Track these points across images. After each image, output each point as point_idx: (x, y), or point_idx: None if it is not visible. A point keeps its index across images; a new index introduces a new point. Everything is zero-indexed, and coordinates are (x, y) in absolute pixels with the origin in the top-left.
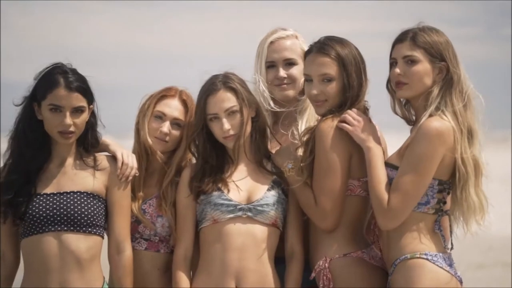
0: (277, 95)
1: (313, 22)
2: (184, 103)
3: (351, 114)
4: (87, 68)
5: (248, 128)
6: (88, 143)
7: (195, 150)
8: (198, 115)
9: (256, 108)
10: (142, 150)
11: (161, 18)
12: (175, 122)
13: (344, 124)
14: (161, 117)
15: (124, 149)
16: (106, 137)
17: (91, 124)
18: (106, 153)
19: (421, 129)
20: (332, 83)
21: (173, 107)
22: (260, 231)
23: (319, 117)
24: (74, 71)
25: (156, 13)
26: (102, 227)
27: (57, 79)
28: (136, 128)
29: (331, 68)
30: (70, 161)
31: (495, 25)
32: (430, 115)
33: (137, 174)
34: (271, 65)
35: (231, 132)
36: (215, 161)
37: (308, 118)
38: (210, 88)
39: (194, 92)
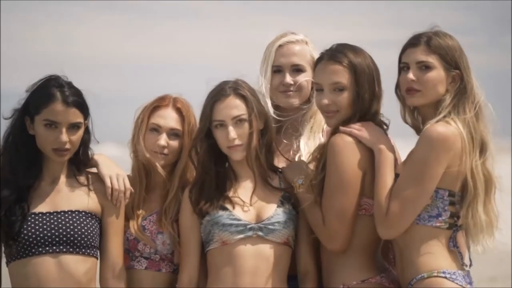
0: (281, 102)
1: (320, 30)
2: (179, 111)
3: (354, 126)
4: (82, 76)
5: (255, 141)
6: (80, 161)
7: (195, 158)
8: (203, 121)
9: (265, 120)
10: (141, 168)
11: (158, 26)
12: (172, 133)
13: (351, 129)
14: (156, 129)
15: (113, 170)
16: (99, 154)
17: (85, 141)
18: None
19: (424, 134)
20: (344, 93)
21: (168, 118)
22: (272, 252)
23: (324, 128)
24: (70, 85)
25: (153, 21)
26: (97, 249)
27: (53, 93)
28: (132, 144)
29: (343, 76)
30: (62, 179)
31: (495, 34)
32: (437, 122)
33: (132, 192)
34: (277, 70)
35: (237, 142)
36: (214, 173)
37: (312, 128)
38: (218, 93)
39: (193, 102)
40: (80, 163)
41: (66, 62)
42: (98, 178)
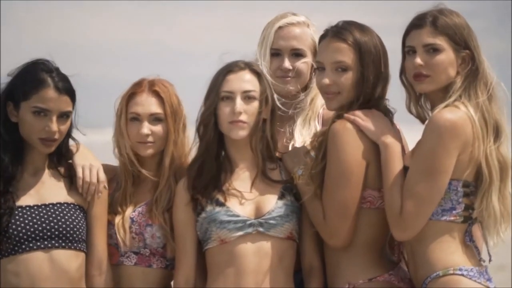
0: (277, 87)
1: (321, 18)
2: (157, 94)
3: (358, 113)
4: (91, 65)
5: (259, 126)
6: (61, 152)
7: (198, 135)
8: (212, 93)
9: (272, 110)
10: (127, 163)
11: (165, 13)
12: (153, 118)
13: (355, 117)
14: (136, 118)
15: (88, 160)
16: (76, 144)
17: (69, 132)
18: None
19: (431, 122)
20: (347, 73)
21: (146, 103)
22: (275, 248)
23: (320, 113)
24: (58, 70)
25: (160, 9)
26: (85, 243)
27: (44, 78)
28: (115, 139)
29: (347, 55)
30: (45, 170)
31: (503, 19)
32: (446, 106)
33: (106, 189)
34: (276, 53)
35: (242, 117)
36: (215, 154)
37: (307, 117)
38: (232, 65)
39: (199, 87)
40: (62, 154)
41: (72, 50)
42: None
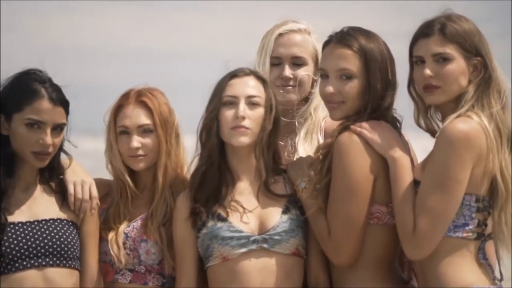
0: (277, 97)
1: (325, 22)
2: (144, 104)
3: (365, 126)
4: (91, 68)
5: (263, 135)
6: (53, 167)
7: (200, 143)
8: (215, 98)
9: (275, 120)
10: (119, 181)
11: (164, 16)
12: (142, 130)
13: (362, 130)
14: (125, 131)
15: (79, 176)
16: (67, 159)
17: (60, 145)
18: None
19: (443, 133)
20: (352, 81)
21: (133, 116)
22: (281, 265)
23: (322, 126)
24: (51, 81)
25: (160, 11)
26: (79, 261)
27: (38, 89)
28: (107, 155)
29: (352, 62)
30: (36, 185)
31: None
32: (458, 117)
33: (98, 205)
34: (276, 62)
35: (245, 123)
36: (217, 163)
37: (308, 129)
38: (237, 70)
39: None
40: (54, 169)
41: (71, 53)
42: None
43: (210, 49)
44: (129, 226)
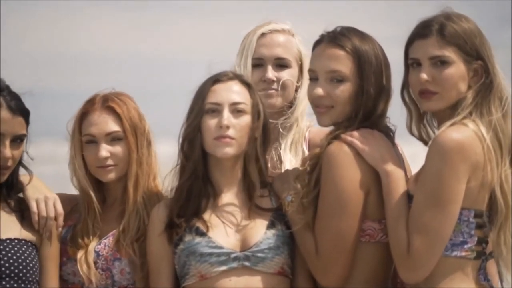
0: None
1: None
2: (111, 109)
3: (356, 135)
4: (88, 74)
5: (249, 144)
6: (12, 183)
7: (183, 156)
8: (196, 105)
9: (264, 129)
10: (85, 195)
11: (160, 21)
12: (111, 138)
13: (353, 139)
14: (92, 140)
15: (42, 192)
16: (26, 175)
17: (20, 159)
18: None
19: (434, 143)
20: (342, 85)
21: (100, 122)
22: (264, 285)
23: (306, 136)
24: (9, 88)
25: (156, 17)
26: (38, 284)
27: None
28: (71, 167)
29: (344, 64)
30: None
31: (494, 30)
32: (453, 124)
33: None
34: (257, 64)
35: (230, 133)
36: (202, 175)
37: (294, 138)
38: (220, 74)
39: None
40: (12, 185)
41: (67, 60)
42: None
43: (198, 53)
44: (100, 244)
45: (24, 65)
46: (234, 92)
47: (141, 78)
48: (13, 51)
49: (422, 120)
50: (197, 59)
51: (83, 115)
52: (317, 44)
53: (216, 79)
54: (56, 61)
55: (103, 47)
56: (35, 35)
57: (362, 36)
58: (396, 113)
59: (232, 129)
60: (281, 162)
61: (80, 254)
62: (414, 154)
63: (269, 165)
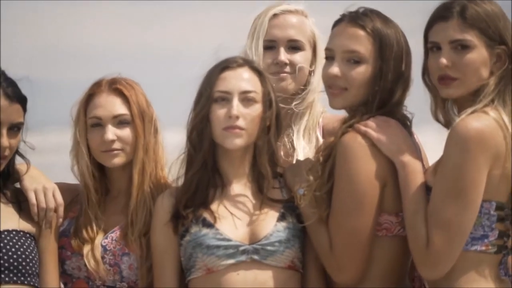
0: None
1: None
2: (119, 92)
3: (371, 125)
4: (88, 67)
5: (259, 134)
6: (8, 173)
7: (191, 146)
8: (204, 96)
9: (277, 117)
10: (88, 181)
11: (165, 11)
12: (118, 121)
13: (368, 129)
14: (98, 123)
15: (40, 182)
16: (22, 164)
17: (17, 148)
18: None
19: (453, 132)
20: (359, 67)
21: (107, 104)
22: (273, 279)
23: (320, 122)
24: (5, 75)
25: (161, 6)
26: (38, 277)
27: None
28: (73, 154)
29: (363, 45)
30: None
31: None
32: (473, 112)
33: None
34: (269, 46)
35: (240, 123)
36: (211, 166)
37: (307, 124)
38: (229, 60)
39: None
40: (9, 175)
41: (68, 52)
42: None
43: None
44: (106, 238)
45: (24, 57)
46: (244, 80)
47: (145, 69)
48: (14, 43)
49: (444, 106)
50: (201, 50)
51: (89, 98)
52: (337, 23)
53: (225, 66)
54: (61, 53)
55: (107, 38)
56: (34, 28)
57: (386, 19)
58: (413, 101)
59: (242, 119)
60: (294, 149)
61: (86, 249)
62: (424, 143)
63: (281, 152)
